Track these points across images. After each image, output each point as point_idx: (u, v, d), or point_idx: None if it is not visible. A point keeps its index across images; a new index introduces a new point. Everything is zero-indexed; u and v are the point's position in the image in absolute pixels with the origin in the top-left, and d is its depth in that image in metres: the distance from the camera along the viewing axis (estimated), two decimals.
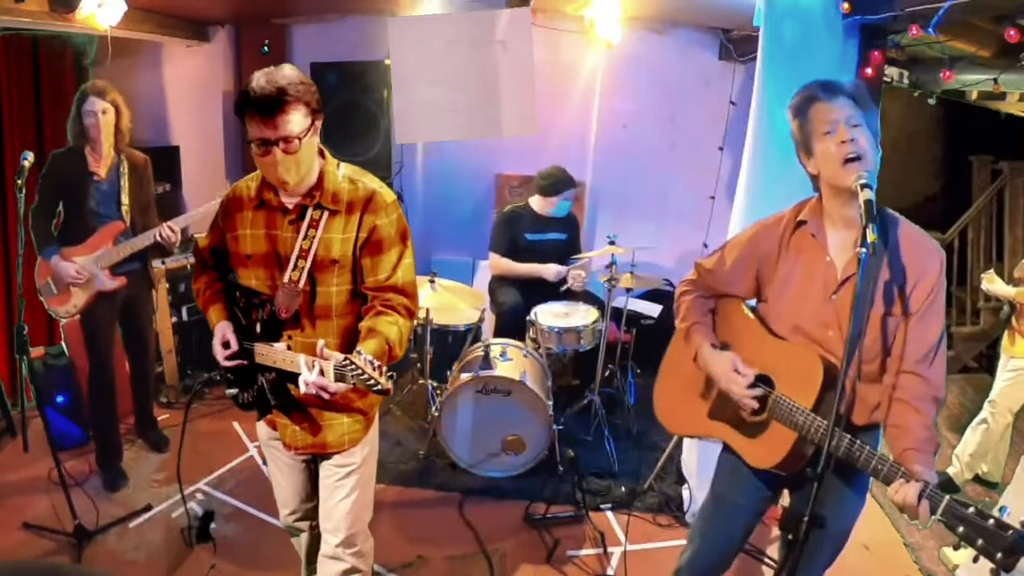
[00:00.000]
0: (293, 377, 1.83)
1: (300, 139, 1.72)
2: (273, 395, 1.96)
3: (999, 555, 1.34)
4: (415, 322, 3.95)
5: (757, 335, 1.92)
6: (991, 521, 1.37)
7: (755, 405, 1.83)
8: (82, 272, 3.11)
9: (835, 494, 1.80)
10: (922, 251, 1.76)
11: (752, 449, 1.89)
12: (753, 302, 2.01)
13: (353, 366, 1.60)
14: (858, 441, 1.64)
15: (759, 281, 1.95)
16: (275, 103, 1.66)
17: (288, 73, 1.72)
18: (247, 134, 1.73)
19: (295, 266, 1.84)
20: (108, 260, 3.16)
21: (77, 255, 3.12)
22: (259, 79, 1.68)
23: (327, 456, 2.04)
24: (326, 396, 1.72)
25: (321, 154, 1.88)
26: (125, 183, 3.19)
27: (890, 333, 1.75)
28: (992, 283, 3.56)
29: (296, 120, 1.70)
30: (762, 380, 1.86)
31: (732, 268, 1.97)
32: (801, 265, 1.85)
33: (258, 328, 1.92)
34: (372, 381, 1.61)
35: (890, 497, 1.56)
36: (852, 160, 1.68)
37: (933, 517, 1.49)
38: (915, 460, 1.58)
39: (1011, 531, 1.35)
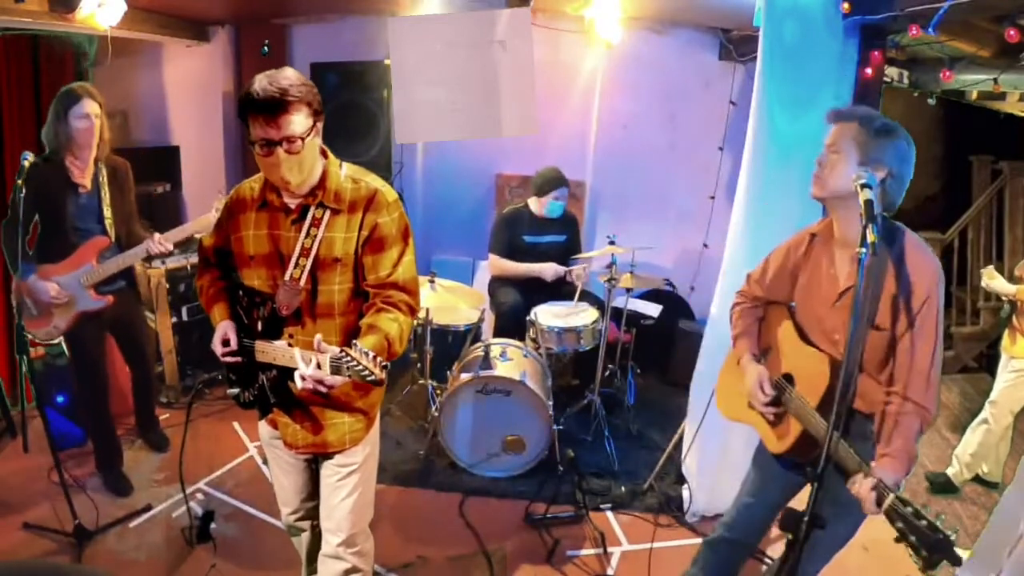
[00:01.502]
0: (293, 374, 1.83)
1: (303, 139, 1.73)
2: (273, 393, 1.96)
3: (924, 552, 1.53)
4: (415, 321, 3.97)
5: (790, 338, 2.13)
6: (924, 522, 1.55)
7: (771, 419, 2.06)
8: (61, 294, 2.93)
9: (844, 499, 1.91)
10: (920, 265, 1.84)
11: (770, 436, 2.12)
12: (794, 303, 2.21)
13: (349, 358, 1.61)
14: (850, 450, 1.79)
15: (795, 287, 2.14)
16: (278, 104, 1.67)
17: (290, 75, 1.73)
18: (249, 136, 1.74)
19: (296, 264, 1.85)
20: (93, 278, 2.98)
21: (57, 273, 2.94)
22: (261, 81, 1.69)
23: (328, 456, 2.04)
24: (323, 389, 1.72)
25: (324, 154, 1.89)
26: (106, 194, 3.00)
27: (887, 344, 1.88)
28: (992, 279, 3.53)
29: (299, 120, 1.71)
30: (786, 378, 2.08)
31: (773, 277, 2.17)
32: (815, 275, 2.04)
33: (259, 326, 1.93)
34: (367, 372, 1.61)
35: (849, 487, 1.73)
36: (816, 177, 1.89)
37: (880, 510, 1.66)
38: (884, 464, 1.75)
39: (939, 533, 1.52)
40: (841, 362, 1.86)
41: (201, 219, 3.00)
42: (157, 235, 3.01)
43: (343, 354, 1.62)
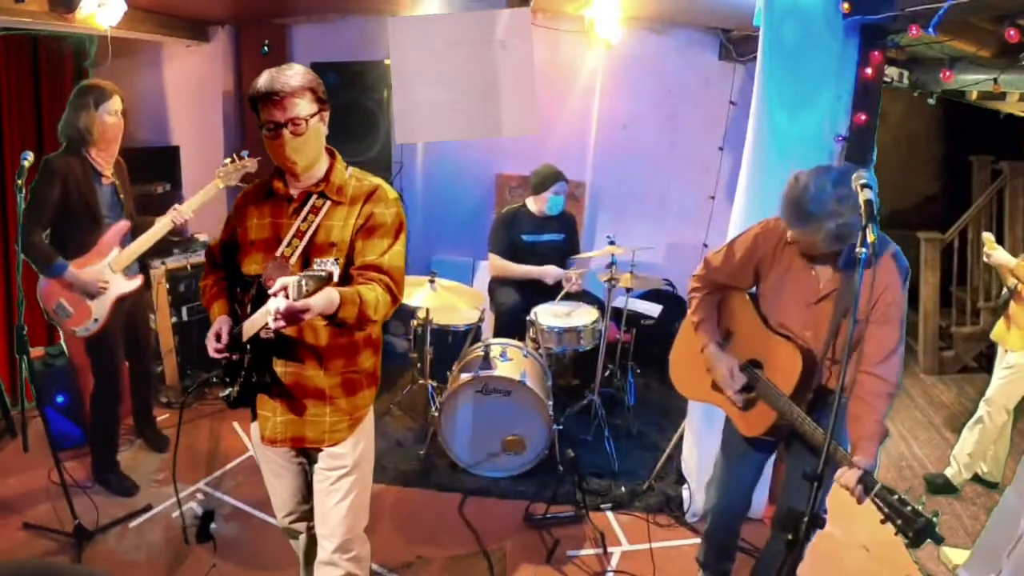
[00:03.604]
0: (276, 351, 1.88)
1: (307, 121, 1.83)
2: (255, 371, 1.93)
3: (911, 534, 1.71)
4: (415, 322, 3.98)
5: (754, 325, 2.26)
6: (909, 508, 1.72)
7: (741, 405, 2.24)
8: (105, 278, 3.00)
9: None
10: (888, 264, 2.01)
11: (743, 420, 2.28)
12: (754, 289, 2.34)
13: (305, 274, 1.61)
14: (821, 429, 1.98)
15: (757, 277, 2.27)
16: (283, 89, 1.79)
17: (295, 67, 1.86)
18: (259, 121, 1.84)
19: (289, 244, 1.90)
20: (124, 261, 3.06)
21: (88, 264, 2.98)
22: (269, 72, 1.83)
23: (314, 458, 2.04)
24: (297, 316, 1.64)
25: (332, 154, 1.97)
26: (119, 183, 3.11)
27: (859, 334, 2.05)
28: (994, 249, 3.44)
29: (303, 104, 1.82)
30: (753, 364, 2.23)
31: (737, 266, 2.27)
32: (790, 275, 2.16)
33: (249, 309, 1.93)
34: (320, 272, 1.61)
35: (836, 479, 1.88)
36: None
37: (867, 498, 1.82)
38: (861, 449, 1.91)
39: (922, 518, 1.69)
40: (812, 353, 2.10)
41: (206, 188, 3.09)
42: (177, 206, 3.10)
43: (304, 273, 1.63)
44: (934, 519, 1.69)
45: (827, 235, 1.92)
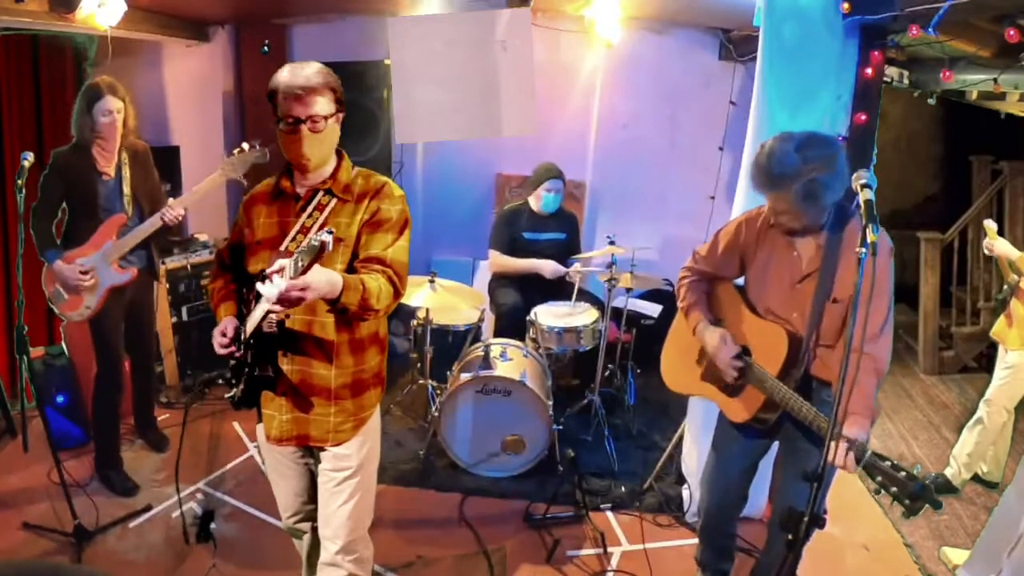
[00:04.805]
0: (281, 346, 1.88)
1: (326, 119, 1.85)
2: (257, 365, 1.92)
3: (907, 500, 1.63)
4: (415, 323, 3.98)
5: (740, 312, 2.30)
6: (903, 473, 1.65)
7: (735, 374, 2.21)
8: (86, 272, 3.04)
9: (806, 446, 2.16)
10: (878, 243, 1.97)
11: (731, 406, 2.29)
12: (740, 281, 2.37)
13: (302, 251, 1.56)
14: (813, 408, 1.98)
15: (743, 265, 2.31)
16: (307, 84, 1.81)
17: (316, 64, 1.88)
18: (276, 116, 1.84)
19: (293, 239, 1.90)
20: (115, 253, 3.10)
21: (83, 255, 3.04)
22: (292, 67, 1.85)
23: (318, 458, 2.04)
24: (295, 295, 1.61)
25: (340, 154, 1.99)
26: (127, 175, 3.13)
27: (843, 315, 2.06)
28: (995, 239, 3.42)
29: (323, 103, 1.85)
30: (741, 350, 2.23)
31: (721, 255, 2.33)
32: (774, 258, 2.20)
33: (254, 305, 1.92)
34: (313, 242, 1.55)
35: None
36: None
37: (858, 467, 1.76)
38: (851, 423, 1.87)
39: (917, 482, 1.63)
40: (798, 335, 2.11)
41: (208, 179, 3.11)
42: (170, 200, 3.16)
43: (296, 251, 1.58)
44: (929, 483, 1.62)
45: (796, 194, 1.93)
